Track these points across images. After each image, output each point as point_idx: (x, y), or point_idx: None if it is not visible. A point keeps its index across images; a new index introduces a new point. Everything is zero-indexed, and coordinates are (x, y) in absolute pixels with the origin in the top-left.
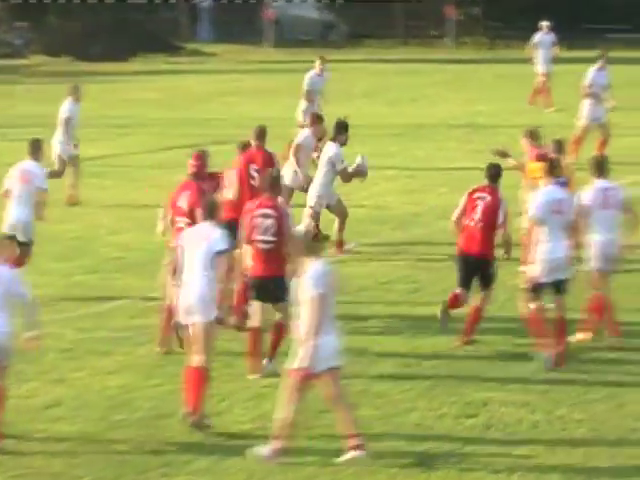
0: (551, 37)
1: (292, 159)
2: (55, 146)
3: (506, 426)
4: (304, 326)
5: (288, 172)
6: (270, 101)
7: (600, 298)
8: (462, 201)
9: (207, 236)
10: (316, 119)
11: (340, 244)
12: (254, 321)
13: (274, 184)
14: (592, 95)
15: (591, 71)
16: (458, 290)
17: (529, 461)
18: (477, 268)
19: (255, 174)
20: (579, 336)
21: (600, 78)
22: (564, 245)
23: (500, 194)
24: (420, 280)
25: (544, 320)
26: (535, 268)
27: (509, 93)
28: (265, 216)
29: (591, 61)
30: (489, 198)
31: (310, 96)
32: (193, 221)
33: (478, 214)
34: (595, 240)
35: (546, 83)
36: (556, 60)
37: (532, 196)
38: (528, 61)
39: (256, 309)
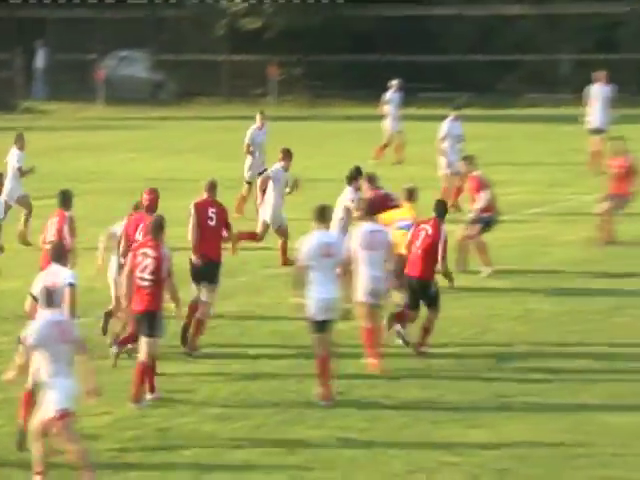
0: (400, 95)
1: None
2: None
3: (324, 463)
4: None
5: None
6: (103, 155)
7: (370, 330)
8: (410, 232)
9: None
10: (287, 153)
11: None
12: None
13: (157, 228)
14: (445, 148)
15: (446, 122)
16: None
17: None
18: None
19: (213, 216)
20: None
21: (454, 129)
22: (333, 287)
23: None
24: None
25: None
26: (309, 307)
27: (329, 148)
28: (145, 255)
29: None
30: (431, 230)
31: (251, 150)
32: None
33: (419, 242)
34: (363, 277)
35: (399, 138)
36: (372, 117)
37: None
38: (381, 118)
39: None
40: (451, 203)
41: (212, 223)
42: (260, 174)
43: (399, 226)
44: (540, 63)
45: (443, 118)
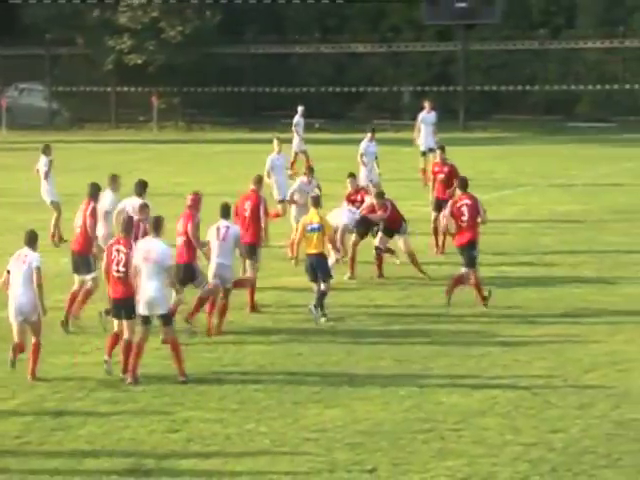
0: (304, 119)
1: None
2: None
3: (203, 439)
4: None
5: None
6: (6, 174)
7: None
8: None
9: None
10: (309, 170)
11: None
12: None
13: (128, 227)
14: (364, 163)
15: (363, 142)
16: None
17: (223, 467)
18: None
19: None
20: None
21: (370, 148)
22: (154, 286)
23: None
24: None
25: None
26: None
27: (203, 167)
28: (118, 251)
29: (268, 141)
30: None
31: (270, 176)
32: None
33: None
34: (214, 263)
35: (306, 155)
36: (240, 140)
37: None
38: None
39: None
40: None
41: (246, 213)
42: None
43: (310, 228)
44: (385, 94)
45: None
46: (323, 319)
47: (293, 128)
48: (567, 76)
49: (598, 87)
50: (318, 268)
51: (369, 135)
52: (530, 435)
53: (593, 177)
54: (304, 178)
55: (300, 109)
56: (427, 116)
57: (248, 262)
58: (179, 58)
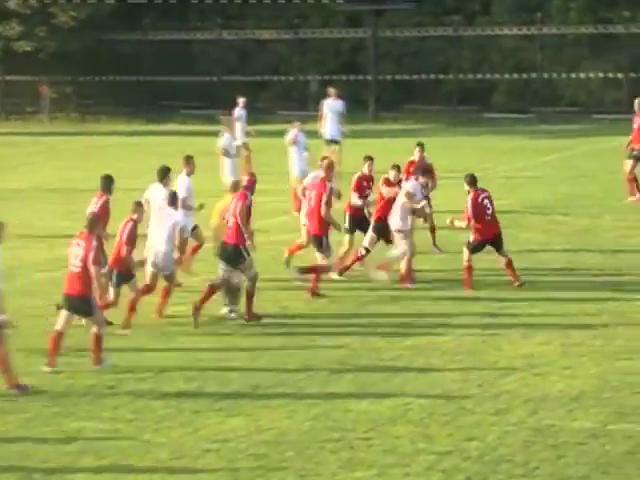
0: (246, 111)
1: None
2: None
3: (96, 452)
4: None
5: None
6: None
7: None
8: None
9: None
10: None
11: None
12: (58, 325)
13: (91, 223)
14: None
15: (292, 132)
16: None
17: None
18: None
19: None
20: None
21: (300, 138)
22: None
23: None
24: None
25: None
26: None
27: (97, 161)
28: (78, 245)
29: (166, 133)
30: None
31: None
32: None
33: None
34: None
35: (247, 152)
36: (136, 132)
37: None
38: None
39: (62, 316)
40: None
41: (312, 202)
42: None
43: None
44: (291, 83)
45: (204, 134)
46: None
47: (234, 121)
48: (482, 64)
49: (515, 76)
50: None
51: (297, 125)
52: (444, 443)
53: (510, 171)
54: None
55: (242, 100)
56: (333, 104)
57: (318, 255)
58: (72, 45)
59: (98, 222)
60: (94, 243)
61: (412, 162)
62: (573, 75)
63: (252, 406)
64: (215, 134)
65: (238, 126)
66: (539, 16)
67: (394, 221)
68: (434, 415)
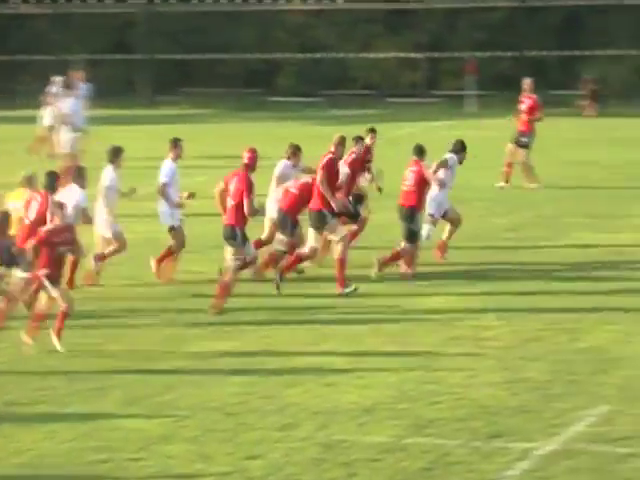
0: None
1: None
2: None
3: None
4: None
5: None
6: None
7: None
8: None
9: None
10: (296, 150)
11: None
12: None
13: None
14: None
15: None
16: None
17: None
18: None
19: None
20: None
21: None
22: None
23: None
24: None
25: None
26: None
27: None
28: None
29: None
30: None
31: None
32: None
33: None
34: None
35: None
36: None
37: None
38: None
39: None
40: None
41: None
42: None
43: (13, 207)
44: (53, 63)
45: None
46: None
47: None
48: (266, 43)
49: (302, 56)
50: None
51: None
52: (223, 463)
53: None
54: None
55: (58, 79)
56: (78, 88)
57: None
58: None
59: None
60: None
61: (367, 147)
62: (366, 55)
63: (10, 425)
64: None
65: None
66: None
67: None
68: (211, 432)
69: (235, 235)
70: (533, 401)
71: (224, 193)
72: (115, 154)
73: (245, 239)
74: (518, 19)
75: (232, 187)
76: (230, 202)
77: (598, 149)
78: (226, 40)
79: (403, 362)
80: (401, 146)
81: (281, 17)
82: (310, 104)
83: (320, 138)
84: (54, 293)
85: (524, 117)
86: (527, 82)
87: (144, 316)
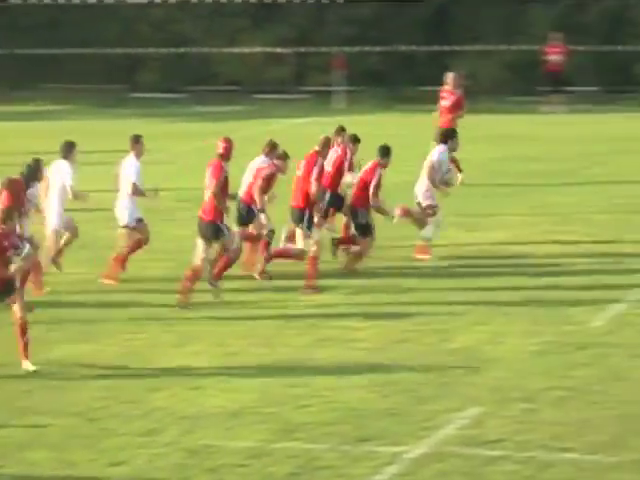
0: None
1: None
2: None
3: None
4: None
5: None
6: None
7: None
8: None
9: None
10: (273, 146)
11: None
12: None
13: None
14: None
15: None
16: None
17: None
18: None
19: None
20: None
21: None
22: None
23: None
24: None
25: None
26: None
27: None
28: None
29: None
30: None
31: None
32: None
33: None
34: None
35: None
36: None
37: None
38: None
39: None
40: None
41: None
42: None
43: None
44: None
45: None
46: None
47: None
48: (128, 37)
49: (165, 51)
50: None
51: None
52: (87, 468)
53: (164, 159)
54: None
55: None
56: None
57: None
58: None
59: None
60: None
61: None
62: (232, 50)
63: None
64: None
65: None
66: None
67: None
68: (74, 438)
69: (218, 229)
70: (403, 403)
71: None
72: (69, 149)
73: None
74: (387, 14)
75: (207, 178)
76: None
77: (468, 146)
78: (86, 35)
79: (270, 365)
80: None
81: (145, 10)
82: (175, 100)
83: (185, 135)
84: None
85: (445, 114)
86: (450, 76)
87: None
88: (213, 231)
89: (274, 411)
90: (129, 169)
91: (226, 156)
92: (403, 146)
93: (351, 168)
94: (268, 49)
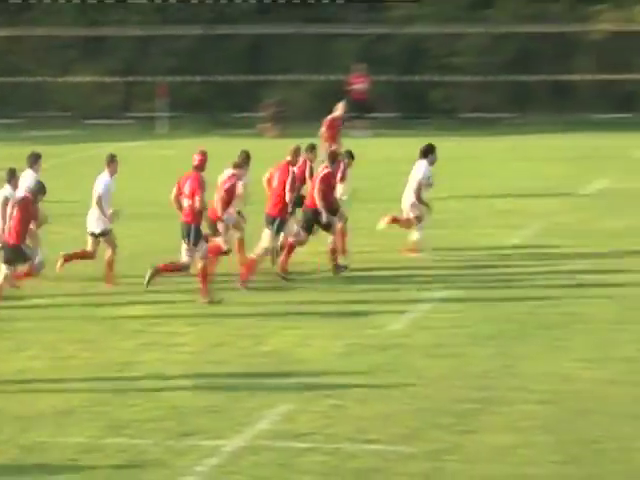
0: None
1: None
2: None
3: None
4: None
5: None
6: None
7: None
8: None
9: None
10: (246, 158)
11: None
12: None
13: None
14: None
15: None
16: None
17: None
18: None
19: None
20: None
21: None
22: None
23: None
24: None
25: None
26: None
27: None
28: None
29: None
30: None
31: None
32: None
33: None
34: None
35: None
36: None
37: None
38: None
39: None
40: None
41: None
42: None
43: None
44: None
45: None
46: None
47: None
48: None
49: (1, 79)
50: None
51: None
52: None
53: None
54: None
55: None
56: None
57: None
58: None
59: None
60: None
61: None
62: (64, 79)
63: None
64: None
65: None
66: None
67: None
68: None
69: (190, 232)
70: (221, 401)
71: (178, 197)
72: (35, 160)
73: (200, 236)
74: (206, 46)
75: (186, 188)
76: (187, 202)
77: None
78: None
79: (99, 367)
80: (96, 165)
81: None
82: (8, 126)
83: (19, 158)
84: None
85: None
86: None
87: None
88: (187, 233)
89: (103, 410)
90: (99, 184)
91: (201, 167)
92: (220, 169)
93: (343, 180)
94: (97, 78)
